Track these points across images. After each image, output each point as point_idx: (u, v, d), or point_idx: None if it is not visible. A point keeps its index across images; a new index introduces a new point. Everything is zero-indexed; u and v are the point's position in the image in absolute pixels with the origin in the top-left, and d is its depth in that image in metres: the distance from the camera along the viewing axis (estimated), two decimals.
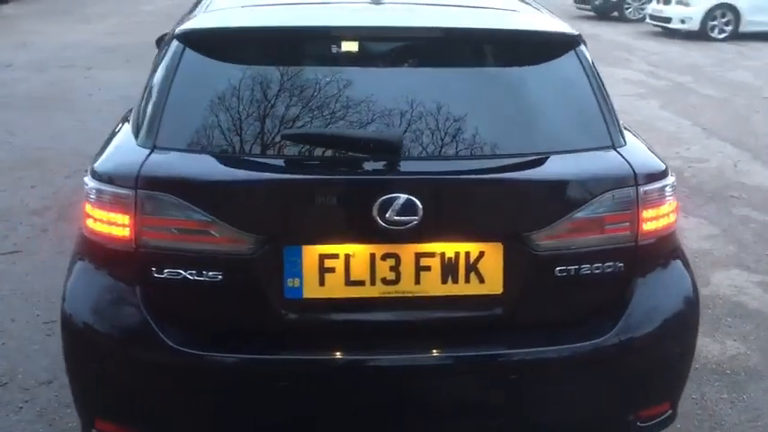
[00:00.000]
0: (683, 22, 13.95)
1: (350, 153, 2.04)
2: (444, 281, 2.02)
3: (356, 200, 1.98)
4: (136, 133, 2.15)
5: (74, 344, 2.12)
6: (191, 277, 1.98)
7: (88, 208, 2.07)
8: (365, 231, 1.98)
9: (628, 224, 2.08)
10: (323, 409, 2.03)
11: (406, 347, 2.03)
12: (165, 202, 1.97)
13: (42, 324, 3.53)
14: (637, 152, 2.18)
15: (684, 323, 2.18)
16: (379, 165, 2.01)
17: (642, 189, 2.08)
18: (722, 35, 13.65)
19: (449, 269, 2.02)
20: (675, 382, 2.22)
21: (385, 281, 2.01)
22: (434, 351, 2.03)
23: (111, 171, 2.05)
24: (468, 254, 2.02)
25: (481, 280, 2.03)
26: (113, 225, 2.01)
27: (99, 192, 2.04)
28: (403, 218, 1.93)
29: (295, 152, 2.04)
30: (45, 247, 4.39)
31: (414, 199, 1.92)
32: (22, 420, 2.87)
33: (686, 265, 2.24)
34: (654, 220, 2.10)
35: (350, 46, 2.17)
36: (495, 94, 2.18)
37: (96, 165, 2.11)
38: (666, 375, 2.19)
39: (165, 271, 1.99)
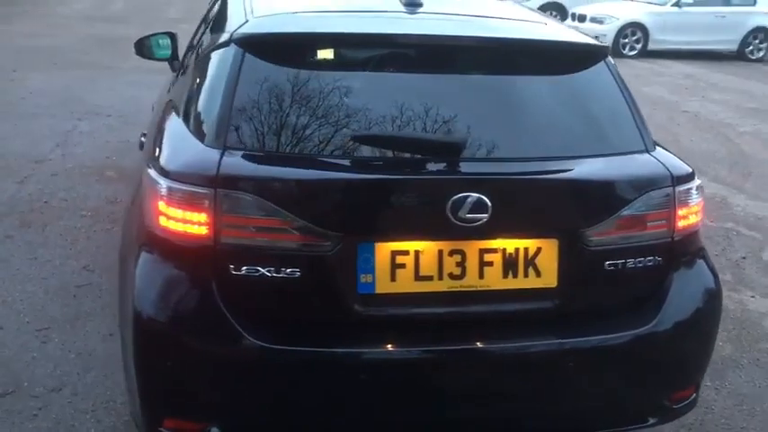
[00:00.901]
0: (597, 39, 14.61)
1: (418, 154, 2.14)
2: (505, 275, 2.16)
3: (430, 198, 2.08)
4: (199, 134, 2.18)
5: (148, 342, 2.12)
6: (269, 274, 2.03)
7: (161, 206, 2.09)
8: (435, 228, 2.09)
9: (665, 221, 2.27)
10: (394, 399, 2.12)
11: (470, 339, 2.14)
12: (245, 201, 2.02)
13: (35, 331, 3.44)
14: (667, 156, 2.38)
15: (711, 313, 2.38)
16: (450, 165, 2.12)
17: (677, 189, 2.27)
18: (632, 52, 14.41)
19: (509, 264, 2.15)
20: (701, 367, 2.43)
21: (452, 276, 2.13)
22: (496, 342, 2.15)
23: (189, 171, 2.08)
24: (526, 249, 2.16)
25: (538, 274, 2.17)
26: (191, 223, 2.05)
27: (175, 191, 2.06)
28: (473, 215, 2.05)
29: (366, 153, 2.13)
30: (15, 253, 4.25)
31: (484, 198, 2.05)
32: (40, 428, 2.81)
33: (709, 260, 2.45)
34: (686, 218, 2.30)
35: (405, 52, 2.29)
36: (543, 100, 2.34)
37: (169, 165, 2.12)
38: (695, 361, 2.39)
39: (244, 268, 2.03)
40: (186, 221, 2.05)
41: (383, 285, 2.09)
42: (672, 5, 14.35)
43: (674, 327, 2.27)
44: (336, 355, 2.07)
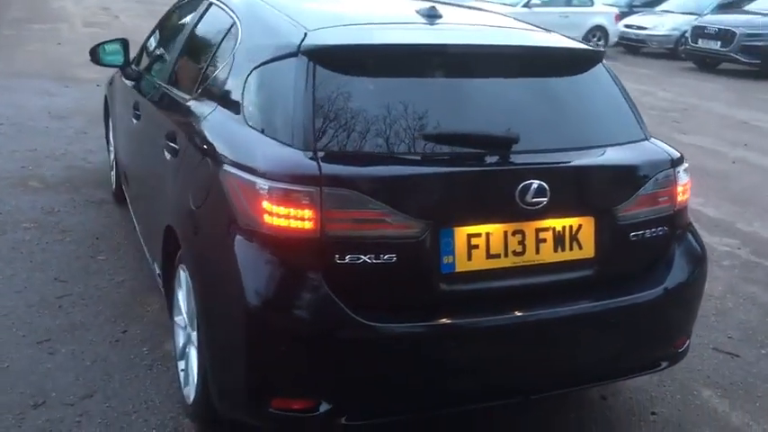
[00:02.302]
0: None
1: (484, 148, 2.46)
2: (555, 250, 2.52)
3: (502, 186, 2.41)
4: (283, 138, 2.37)
5: (263, 331, 2.30)
6: (369, 261, 2.28)
7: (266, 205, 2.27)
8: (503, 212, 2.42)
9: (668, 198, 2.72)
10: (481, 365, 2.43)
11: (532, 307, 2.48)
12: (346, 196, 2.26)
13: (37, 344, 3.41)
14: (661, 143, 2.83)
15: (702, 274, 2.86)
16: (513, 157, 2.46)
17: (676, 170, 2.74)
18: None
19: (558, 240, 2.52)
20: (695, 318, 2.91)
21: (514, 253, 2.46)
22: (552, 307, 2.51)
23: (293, 172, 2.27)
24: (571, 227, 2.53)
25: (580, 247, 2.55)
26: (297, 219, 2.25)
27: (280, 191, 2.26)
28: (536, 200, 2.41)
29: (440, 149, 2.42)
30: None
31: (544, 184, 2.41)
32: None
33: (696, 232, 2.93)
34: (682, 194, 2.77)
35: (455, 59, 2.61)
36: (564, 98, 2.72)
37: (270, 168, 2.30)
38: (692, 313, 2.86)
39: (347, 257, 2.26)
40: (292, 218, 2.26)
41: (461, 264, 2.39)
42: (522, 6, 15.42)
43: (680, 285, 2.73)
44: (430, 328, 2.35)
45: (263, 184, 2.29)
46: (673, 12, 17.67)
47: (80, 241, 4.61)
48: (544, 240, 2.50)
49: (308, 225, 2.25)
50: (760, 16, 15.38)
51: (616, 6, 18.05)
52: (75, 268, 4.22)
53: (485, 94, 2.60)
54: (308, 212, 2.25)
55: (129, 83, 4.35)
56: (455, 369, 2.41)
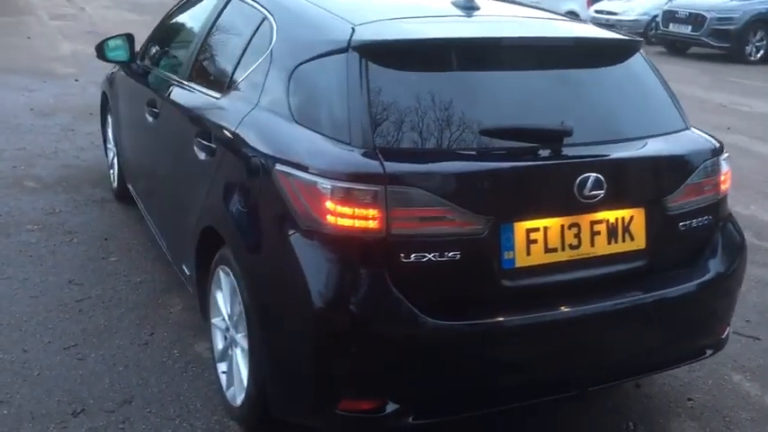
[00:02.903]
0: None
1: (541, 142, 2.45)
2: (609, 242, 2.53)
3: (560, 180, 2.41)
4: (340, 137, 2.34)
5: (329, 331, 2.27)
6: (433, 259, 2.26)
7: (329, 205, 2.24)
8: (560, 206, 2.42)
9: (712, 186, 2.74)
10: (541, 357, 2.43)
11: (589, 299, 2.49)
12: (411, 194, 2.24)
13: (64, 350, 3.34)
14: (701, 133, 2.86)
15: (743, 261, 2.89)
16: (571, 150, 2.45)
17: (719, 159, 2.76)
18: None
19: (612, 232, 2.52)
20: (734, 306, 2.94)
21: (571, 246, 2.47)
22: (608, 300, 2.51)
23: (357, 171, 2.24)
24: (623, 218, 2.54)
25: (632, 238, 2.57)
26: (362, 219, 2.22)
27: (344, 190, 2.23)
28: (594, 193, 2.41)
29: (496, 143, 2.40)
30: None
31: (600, 176, 2.41)
32: None
33: (736, 221, 2.95)
34: (724, 183, 2.80)
35: (507, 52, 2.60)
36: (610, 88, 2.72)
37: (333, 167, 2.27)
38: (733, 301, 2.90)
39: (413, 255, 2.25)
40: (357, 217, 2.23)
41: (521, 259, 2.39)
42: None
43: (725, 273, 2.76)
44: (495, 325, 2.34)
45: (325, 183, 2.26)
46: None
47: (88, 242, 4.51)
48: (598, 233, 2.50)
49: (373, 224, 2.23)
50: (728, 1, 15.63)
51: None
52: (88, 270, 4.14)
53: (535, 86, 2.59)
54: (373, 212, 2.22)
55: (137, 79, 4.26)
56: (519, 364, 2.41)
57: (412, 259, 2.25)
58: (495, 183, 2.37)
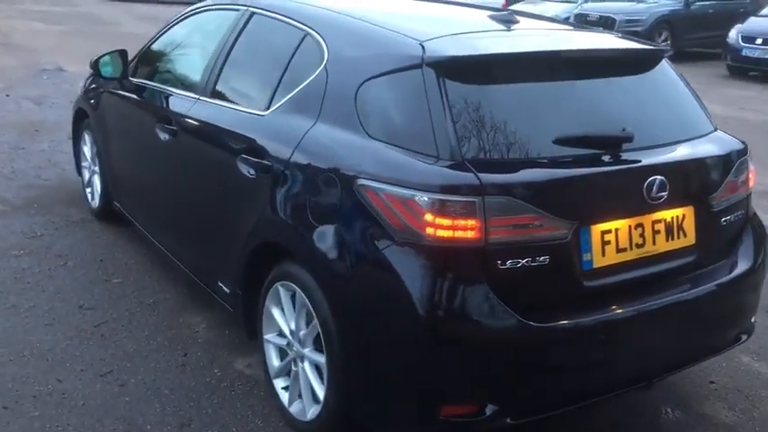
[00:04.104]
0: None
1: (610, 148, 2.59)
2: (667, 239, 2.70)
3: (632, 183, 2.56)
4: (427, 150, 2.41)
5: (433, 342, 2.34)
6: (526, 264, 2.36)
7: (428, 218, 2.31)
8: (629, 207, 2.57)
9: (744, 183, 2.96)
10: (620, 352, 2.57)
11: (654, 294, 2.65)
12: (506, 203, 2.34)
13: (100, 377, 3.25)
14: (725, 133, 3.07)
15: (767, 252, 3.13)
16: (637, 155, 2.60)
17: (747, 157, 2.98)
18: None
19: (669, 230, 2.69)
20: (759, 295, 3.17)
21: (637, 245, 2.62)
22: (669, 295, 2.68)
23: (455, 183, 2.32)
24: (677, 217, 2.72)
25: (684, 235, 2.74)
26: (462, 229, 2.30)
27: (444, 202, 2.30)
28: (660, 194, 2.58)
29: (571, 150, 2.53)
30: None
31: (664, 179, 2.58)
32: None
33: (757, 216, 3.19)
34: (751, 180, 3.02)
35: (566, 64, 2.74)
36: (651, 95, 2.90)
37: (430, 180, 2.33)
38: (762, 287, 3.13)
39: (509, 262, 2.34)
40: (456, 228, 2.30)
41: (598, 260, 2.53)
42: None
43: (757, 264, 2.97)
44: (583, 324, 2.45)
45: (423, 197, 2.32)
46: (551, 0, 18.51)
47: (84, 265, 4.37)
48: (659, 231, 2.66)
49: (472, 234, 2.31)
50: (635, 2, 16.47)
51: None
52: (95, 294, 4.02)
53: (592, 95, 2.74)
54: (472, 222, 2.30)
55: (137, 96, 4.15)
56: (603, 360, 2.54)
57: (508, 266, 2.34)
58: (576, 188, 2.50)
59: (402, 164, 2.44)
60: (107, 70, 4.24)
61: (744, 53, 13.45)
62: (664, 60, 3.03)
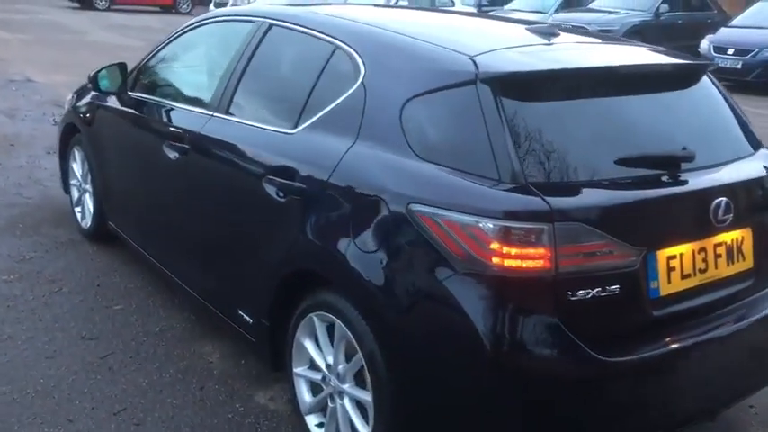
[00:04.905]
0: None
1: (675, 168, 2.46)
2: (728, 264, 2.57)
3: (699, 206, 2.43)
4: (487, 172, 2.24)
5: (502, 376, 2.18)
6: (597, 294, 2.21)
7: (494, 246, 2.15)
8: (694, 231, 2.44)
9: None
10: (694, 383, 2.44)
11: (715, 321, 2.52)
12: (576, 230, 2.18)
13: (113, 416, 3.02)
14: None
15: None
16: (703, 175, 2.48)
17: None
18: None
19: (729, 253, 2.57)
20: None
21: (700, 270, 2.48)
22: (733, 322, 2.55)
23: (523, 209, 2.16)
24: (736, 239, 2.59)
25: (743, 258, 2.62)
26: (532, 258, 2.14)
27: (513, 230, 2.14)
28: (725, 216, 2.45)
29: (635, 171, 2.38)
30: None
31: (729, 200, 2.46)
32: None
33: None
34: None
35: (622, 80, 2.61)
36: (701, 111, 2.78)
37: (494, 206, 2.17)
38: None
39: (579, 292, 2.19)
40: (525, 257, 2.15)
41: (664, 288, 2.38)
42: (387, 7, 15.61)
43: None
44: (655, 357, 2.30)
45: (488, 224, 2.16)
46: (521, 10, 18.56)
47: (81, 290, 4.12)
48: (720, 255, 2.54)
49: (542, 263, 2.15)
50: (607, 13, 16.59)
51: (469, 7, 18.69)
52: (96, 322, 3.78)
53: (651, 112, 2.61)
54: (542, 250, 2.15)
55: (139, 112, 3.92)
56: (672, 394, 2.40)
57: (578, 296, 2.19)
58: (644, 212, 2.36)
59: (461, 188, 2.28)
60: (106, 84, 4.01)
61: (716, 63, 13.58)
62: (707, 74, 2.92)
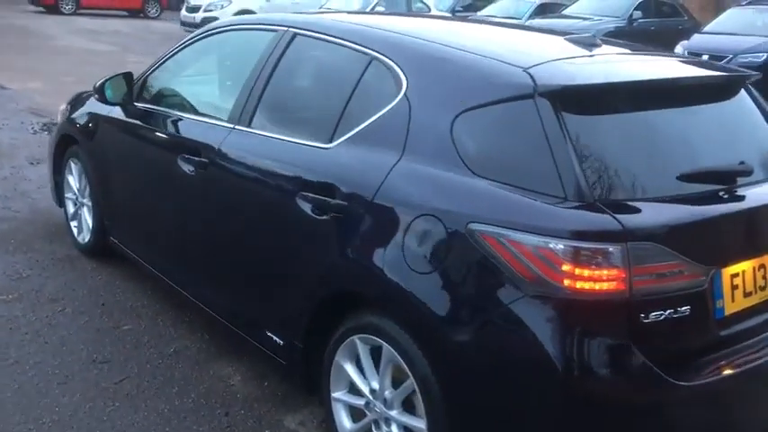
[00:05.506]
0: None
1: (734, 183, 2.39)
2: None
3: (760, 221, 2.37)
4: (552, 190, 2.16)
5: (577, 404, 2.11)
6: (668, 316, 2.14)
7: (566, 268, 2.06)
8: (755, 248, 2.38)
9: None
10: (755, 406, 2.37)
11: None
12: (649, 250, 2.11)
13: None
14: None
15: None
16: (755, 190, 2.41)
17: None
18: None
19: None
20: None
21: (760, 288, 2.42)
22: None
23: (596, 229, 2.08)
24: None
25: None
26: (606, 280, 2.06)
27: (584, 250, 2.06)
28: None
29: (701, 187, 2.32)
30: None
31: None
32: None
33: None
34: None
35: (675, 92, 2.55)
36: (750, 124, 2.72)
37: (564, 226, 2.09)
38: None
39: (651, 314, 2.11)
40: (598, 279, 2.06)
41: (728, 307, 2.32)
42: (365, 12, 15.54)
43: None
44: (727, 378, 2.23)
45: (559, 244, 2.07)
46: (495, 16, 18.61)
47: (85, 310, 3.94)
48: None
49: (616, 285, 2.07)
50: (580, 20, 16.69)
51: (444, 12, 18.70)
52: (106, 344, 3.61)
53: (701, 125, 2.55)
54: (615, 271, 2.06)
55: (148, 124, 3.76)
56: (739, 418, 2.34)
57: (651, 319, 2.11)
58: (709, 229, 2.29)
59: (525, 206, 2.18)
60: (113, 95, 3.84)
61: None
62: (745, 86, 2.87)
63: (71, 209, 4.73)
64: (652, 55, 2.96)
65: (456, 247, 2.26)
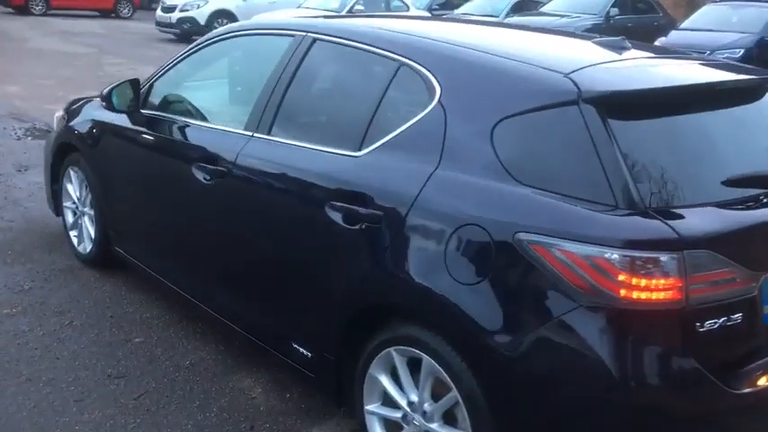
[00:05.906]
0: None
1: None
2: None
3: None
4: (602, 198, 2.13)
5: (631, 415, 2.08)
6: (723, 324, 2.12)
7: (623, 278, 2.03)
8: None
9: None
10: None
11: None
12: (705, 258, 2.08)
13: None
14: None
15: None
16: None
17: None
18: None
19: None
20: None
21: None
22: None
23: (652, 237, 2.05)
24: None
25: None
26: (663, 290, 2.03)
27: (641, 260, 2.03)
28: None
29: (749, 192, 2.30)
30: None
31: None
32: None
33: None
34: None
35: (715, 96, 2.55)
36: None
37: (618, 235, 2.06)
38: None
39: (707, 323, 2.09)
40: (655, 289, 2.03)
41: None
42: (346, 13, 15.45)
43: None
44: None
45: (614, 254, 2.04)
46: (473, 14, 18.62)
47: (94, 323, 3.84)
48: None
49: (673, 294, 2.05)
50: (557, 17, 16.77)
51: (421, 10, 18.68)
52: (120, 358, 3.52)
53: (745, 128, 2.56)
54: (672, 280, 2.04)
55: (157, 132, 3.66)
56: None
57: (706, 327, 2.09)
58: (757, 235, 2.27)
59: (575, 214, 2.15)
60: (120, 102, 3.74)
61: None
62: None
63: (70, 218, 4.62)
64: (682, 59, 2.94)
65: (503, 258, 2.22)
